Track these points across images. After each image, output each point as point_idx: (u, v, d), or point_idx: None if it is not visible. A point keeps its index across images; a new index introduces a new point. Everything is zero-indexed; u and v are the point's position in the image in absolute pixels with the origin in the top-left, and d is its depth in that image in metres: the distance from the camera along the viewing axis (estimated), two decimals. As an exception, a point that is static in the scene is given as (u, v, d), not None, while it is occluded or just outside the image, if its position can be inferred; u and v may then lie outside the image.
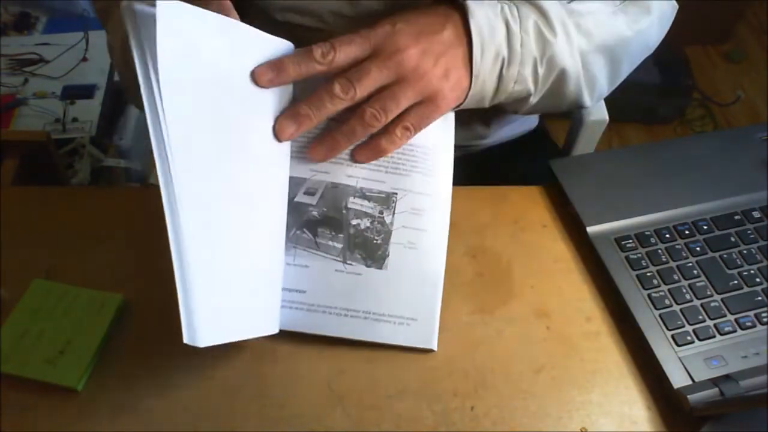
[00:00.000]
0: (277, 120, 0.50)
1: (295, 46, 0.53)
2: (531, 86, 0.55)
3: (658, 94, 1.74)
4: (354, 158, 0.53)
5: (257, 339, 0.52)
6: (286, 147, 0.52)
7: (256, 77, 0.48)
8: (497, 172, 0.79)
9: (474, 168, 0.79)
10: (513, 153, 0.82)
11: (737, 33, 2.03)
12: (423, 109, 0.51)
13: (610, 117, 0.80)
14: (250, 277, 0.49)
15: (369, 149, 0.52)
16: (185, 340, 0.42)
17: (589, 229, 0.58)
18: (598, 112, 0.80)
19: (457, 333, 0.53)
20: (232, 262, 0.47)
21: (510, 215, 0.61)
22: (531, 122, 0.84)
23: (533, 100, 0.57)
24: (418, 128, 0.52)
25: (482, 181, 0.64)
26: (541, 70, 0.55)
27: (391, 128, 0.51)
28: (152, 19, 0.41)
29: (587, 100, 0.61)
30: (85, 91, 1.26)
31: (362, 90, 0.49)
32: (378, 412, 0.49)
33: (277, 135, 0.50)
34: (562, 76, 0.56)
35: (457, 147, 0.76)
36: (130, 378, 0.50)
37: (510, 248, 0.59)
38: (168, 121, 0.42)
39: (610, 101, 0.79)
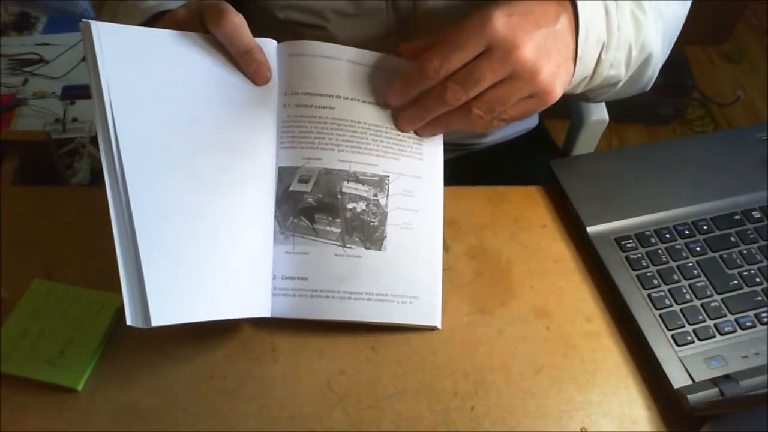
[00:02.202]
0: (398, 117, 0.53)
1: None
2: (623, 71, 0.54)
3: (658, 94, 1.74)
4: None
5: (257, 339, 0.52)
6: (267, 135, 0.53)
7: (389, 100, 0.52)
8: (497, 172, 0.79)
9: (474, 168, 0.79)
10: (513, 153, 0.82)
11: (737, 33, 2.03)
12: (529, 104, 0.49)
13: (610, 117, 0.80)
14: (216, 258, 0.49)
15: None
16: (129, 322, 0.44)
17: (589, 229, 0.58)
18: (598, 112, 0.80)
19: (457, 333, 0.53)
20: (189, 244, 0.48)
21: (510, 215, 0.61)
22: (531, 122, 0.84)
23: (620, 85, 0.56)
24: (516, 119, 0.50)
25: (482, 181, 0.64)
26: (634, 54, 0.54)
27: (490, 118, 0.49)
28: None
29: (651, 84, 0.61)
30: (85, 91, 1.26)
31: (473, 94, 0.47)
32: (378, 412, 0.49)
33: (400, 128, 0.53)
34: (648, 60, 0.56)
35: (456, 146, 0.75)
36: (130, 378, 0.50)
37: (510, 248, 0.59)
38: (114, 109, 0.46)
39: (610, 101, 0.80)
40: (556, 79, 0.48)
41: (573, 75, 0.51)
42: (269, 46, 0.53)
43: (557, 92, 0.49)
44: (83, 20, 0.46)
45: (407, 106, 0.51)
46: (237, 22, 0.49)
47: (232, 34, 0.49)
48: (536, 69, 0.46)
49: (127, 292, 0.45)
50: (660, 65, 0.60)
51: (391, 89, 0.51)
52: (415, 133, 0.54)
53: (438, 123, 0.52)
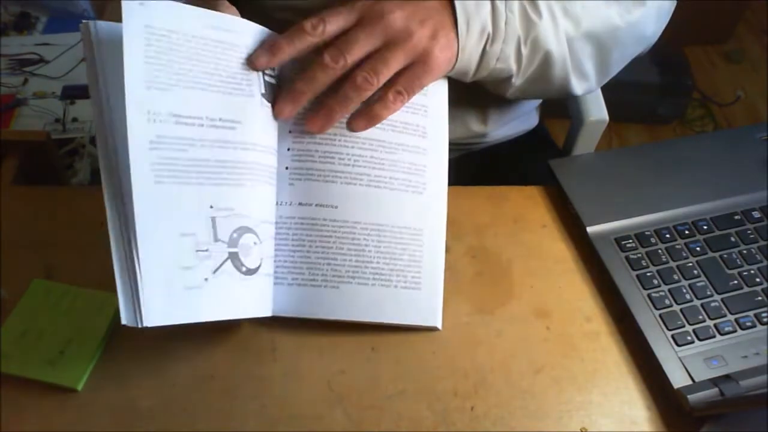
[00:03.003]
0: (275, 103, 0.52)
1: None
2: (513, 66, 0.56)
3: (658, 94, 1.74)
4: (349, 127, 0.53)
5: (257, 339, 0.52)
6: (269, 130, 0.52)
7: (252, 62, 0.50)
8: (497, 172, 0.79)
9: (474, 168, 0.79)
10: (513, 153, 0.82)
11: (737, 33, 2.03)
12: (414, 71, 0.51)
13: (610, 117, 0.80)
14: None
15: (363, 116, 0.52)
16: (124, 322, 0.44)
17: (589, 229, 0.58)
18: (598, 112, 0.80)
19: (457, 333, 0.53)
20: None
21: (510, 215, 0.61)
22: (531, 122, 0.84)
23: (516, 81, 0.57)
24: (411, 92, 0.52)
25: (482, 181, 0.64)
26: (524, 51, 0.55)
27: (384, 93, 0.51)
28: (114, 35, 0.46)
29: (576, 87, 0.61)
30: (85, 91, 1.26)
31: (352, 57, 0.49)
32: (378, 412, 0.49)
33: (277, 115, 0.52)
34: (547, 59, 0.57)
35: (456, 146, 0.75)
36: (130, 378, 0.50)
37: (510, 248, 0.59)
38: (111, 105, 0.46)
39: (610, 101, 0.79)
40: (433, 44, 0.50)
41: (457, 54, 0.52)
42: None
43: (439, 58, 0.51)
44: (83, 21, 0.47)
45: (286, 93, 0.51)
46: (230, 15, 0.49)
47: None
48: (409, 32, 0.49)
49: (122, 291, 0.44)
50: (586, 72, 0.61)
51: (257, 51, 0.50)
52: (308, 129, 0.52)
53: (334, 104, 0.51)
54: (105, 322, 0.52)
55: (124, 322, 0.44)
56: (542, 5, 0.55)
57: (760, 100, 1.87)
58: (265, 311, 0.51)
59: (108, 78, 0.46)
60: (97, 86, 0.46)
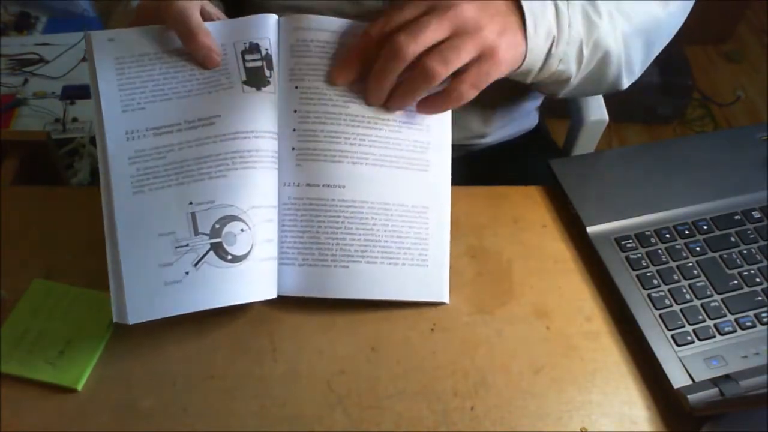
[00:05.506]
0: (366, 89, 0.52)
1: None
2: (574, 67, 0.56)
3: (658, 94, 1.74)
4: (419, 110, 0.53)
5: (257, 339, 0.52)
6: (268, 117, 0.52)
7: (334, 80, 0.52)
8: (497, 172, 0.79)
9: (474, 168, 0.79)
10: (513, 153, 0.82)
11: (737, 33, 2.03)
12: (482, 66, 0.50)
13: (610, 117, 0.80)
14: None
15: (434, 104, 0.53)
16: (115, 319, 0.48)
17: (589, 229, 0.58)
18: (598, 112, 0.80)
19: (457, 333, 0.53)
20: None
21: (510, 215, 0.61)
22: (531, 122, 0.84)
23: (574, 81, 0.58)
24: (479, 86, 0.51)
25: (482, 181, 0.64)
26: (586, 52, 0.56)
27: (455, 84, 0.50)
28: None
29: (625, 83, 0.62)
30: (85, 91, 1.26)
31: (424, 42, 0.48)
32: (378, 412, 0.49)
33: (369, 102, 0.53)
34: (605, 59, 0.58)
35: (456, 146, 0.76)
36: (130, 378, 0.50)
37: (510, 248, 0.59)
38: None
39: (610, 101, 0.80)
40: (501, 40, 0.50)
41: (524, 54, 0.52)
42: (269, 21, 0.52)
43: (506, 56, 0.50)
44: (87, 32, 0.49)
45: (366, 80, 0.51)
46: (180, 6, 0.48)
47: (176, 19, 0.49)
48: (479, 25, 0.49)
49: (113, 290, 0.47)
50: (633, 67, 0.61)
51: (335, 70, 0.52)
52: (387, 108, 0.53)
53: (402, 91, 0.51)
54: (105, 322, 0.52)
55: (115, 319, 0.47)
56: (601, 5, 0.56)
57: (760, 100, 1.87)
58: (266, 294, 0.51)
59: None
60: (98, 93, 0.48)
